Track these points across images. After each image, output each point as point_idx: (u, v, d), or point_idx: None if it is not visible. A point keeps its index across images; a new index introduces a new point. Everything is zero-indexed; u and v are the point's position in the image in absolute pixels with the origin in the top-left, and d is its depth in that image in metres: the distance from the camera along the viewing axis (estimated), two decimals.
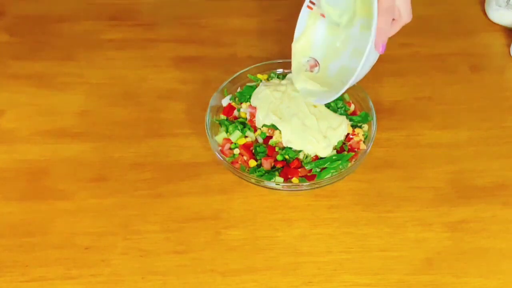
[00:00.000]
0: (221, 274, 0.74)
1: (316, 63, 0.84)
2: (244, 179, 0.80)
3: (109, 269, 0.74)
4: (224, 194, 0.81)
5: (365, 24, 0.72)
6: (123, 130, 0.89)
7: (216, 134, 0.84)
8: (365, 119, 0.85)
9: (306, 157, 0.81)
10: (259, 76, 0.91)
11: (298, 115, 0.82)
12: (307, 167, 0.80)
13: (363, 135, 0.84)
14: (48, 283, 0.73)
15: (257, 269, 0.74)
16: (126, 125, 0.90)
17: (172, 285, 0.73)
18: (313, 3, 0.83)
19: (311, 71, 0.84)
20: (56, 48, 1.02)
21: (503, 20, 1.03)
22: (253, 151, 0.82)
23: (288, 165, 0.80)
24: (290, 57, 0.87)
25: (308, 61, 0.84)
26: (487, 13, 1.05)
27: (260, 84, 0.88)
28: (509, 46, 1.00)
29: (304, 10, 0.84)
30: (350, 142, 0.83)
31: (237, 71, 0.90)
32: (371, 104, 0.85)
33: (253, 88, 0.88)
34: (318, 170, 0.80)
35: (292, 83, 0.86)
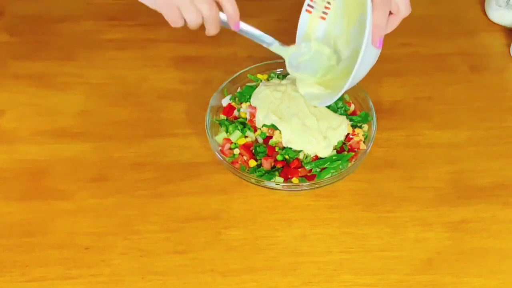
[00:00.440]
0: (221, 274, 0.74)
1: None
2: (244, 179, 0.80)
3: (109, 269, 0.74)
4: (224, 194, 0.81)
5: (364, 20, 0.72)
6: (123, 130, 0.89)
7: (216, 134, 0.84)
8: (365, 119, 0.85)
9: (306, 157, 0.81)
10: (259, 76, 0.91)
11: (298, 115, 0.82)
12: (307, 167, 0.80)
13: (363, 135, 0.84)
14: (48, 283, 0.73)
15: (257, 269, 0.74)
16: (126, 125, 0.90)
17: (172, 285, 0.73)
18: (312, 7, 0.83)
19: None
20: (56, 48, 1.02)
21: (503, 20, 1.03)
22: (253, 151, 0.82)
23: (288, 165, 0.80)
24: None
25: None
26: (487, 13, 1.05)
27: (260, 84, 0.88)
28: (509, 46, 1.00)
29: (303, 14, 0.84)
30: (350, 142, 0.83)
31: (237, 71, 0.90)
32: (371, 104, 0.85)
33: (253, 88, 0.88)
34: (318, 170, 0.80)
35: (292, 83, 0.86)
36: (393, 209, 0.80)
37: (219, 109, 0.88)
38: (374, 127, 0.83)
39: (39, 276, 0.74)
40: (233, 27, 0.75)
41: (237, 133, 0.83)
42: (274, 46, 0.80)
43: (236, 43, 1.01)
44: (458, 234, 0.77)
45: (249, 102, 0.86)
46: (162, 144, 0.88)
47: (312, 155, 0.81)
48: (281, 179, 0.79)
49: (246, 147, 0.82)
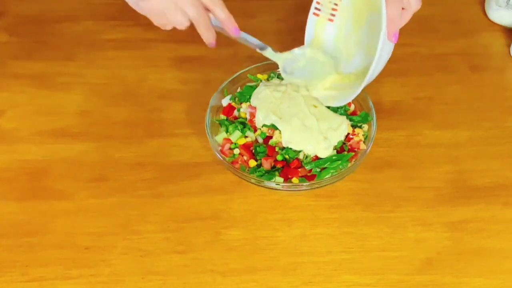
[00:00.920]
0: (221, 274, 0.74)
1: None
2: (244, 179, 0.80)
3: (109, 269, 0.74)
4: (224, 194, 0.81)
5: (374, 19, 0.72)
6: (123, 130, 0.89)
7: (216, 134, 0.84)
8: (365, 119, 0.85)
9: (306, 157, 0.81)
10: (259, 76, 0.91)
11: (298, 115, 0.82)
12: (307, 167, 0.80)
13: (363, 135, 0.84)
14: (48, 283, 0.73)
15: (257, 269, 0.74)
16: (126, 125, 0.90)
17: (172, 285, 0.73)
18: (319, 9, 0.83)
19: None
20: (56, 48, 1.02)
21: (503, 20, 1.03)
22: (253, 151, 0.82)
23: (288, 165, 0.80)
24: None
25: None
26: (487, 13, 1.05)
27: (260, 84, 0.88)
28: (509, 46, 1.00)
29: (310, 18, 0.84)
30: (350, 142, 0.83)
31: (237, 71, 0.90)
32: (371, 104, 0.85)
33: (253, 88, 0.88)
34: (318, 170, 0.80)
35: (292, 83, 0.86)
36: (393, 209, 0.80)
37: (219, 109, 0.88)
38: (374, 127, 0.83)
39: (39, 276, 0.74)
40: (231, 34, 0.75)
41: (237, 133, 0.83)
42: (267, 51, 0.81)
43: (236, 43, 1.00)
44: (458, 234, 0.77)
45: (249, 102, 0.86)
46: (162, 144, 0.88)
47: (312, 155, 0.81)
48: (281, 179, 0.79)
49: (246, 147, 0.82)
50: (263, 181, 0.78)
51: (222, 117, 0.87)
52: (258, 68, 0.91)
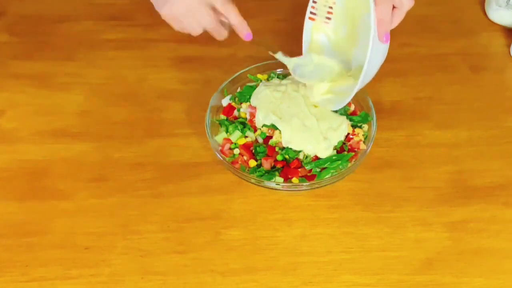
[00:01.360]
0: (221, 274, 0.74)
1: None
2: (244, 179, 0.80)
3: (109, 269, 0.74)
4: (224, 194, 0.81)
5: (367, 21, 0.72)
6: (123, 130, 0.89)
7: (216, 134, 0.84)
8: (365, 119, 0.85)
9: (306, 157, 0.81)
10: (259, 76, 0.91)
11: (298, 115, 0.82)
12: (307, 167, 0.80)
13: (363, 135, 0.84)
14: (48, 283, 0.73)
15: (257, 269, 0.74)
16: (126, 125, 0.90)
17: (172, 285, 0.73)
18: (314, 14, 0.83)
19: None
20: (56, 48, 1.02)
21: (503, 20, 1.03)
22: (253, 151, 0.82)
23: (288, 165, 0.80)
24: (290, 57, 0.88)
25: None
26: (487, 13, 1.05)
27: (260, 84, 0.88)
28: (509, 46, 1.00)
29: (307, 23, 0.84)
30: (350, 142, 0.83)
31: (237, 71, 0.90)
32: (371, 104, 0.85)
33: (253, 88, 0.88)
34: (318, 170, 0.80)
35: (292, 83, 0.86)
36: (393, 209, 0.80)
37: (219, 109, 0.88)
38: (374, 127, 0.83)
39: (39, 276, 0.74)
40: (244, 38, 0.78)
41: (237, 133, 0.83)
42: (278, 55, 0.82)
43: (236, 43, 1.00)
44: (458, 234, 0.77)
45: (249, 102, 0.86)
46: (162, 144, 0.88)
47: (312, 155, 0.81)
48: (281, 179, 0.79)
49: (246, 147, 0.82)
50: (263, 181, 0.78)
51: (222, 117, 0.87)
52: (258, 68, 0.91)
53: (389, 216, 0.79)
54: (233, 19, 0.76)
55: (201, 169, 0.84)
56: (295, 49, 0.86)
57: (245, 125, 0.84)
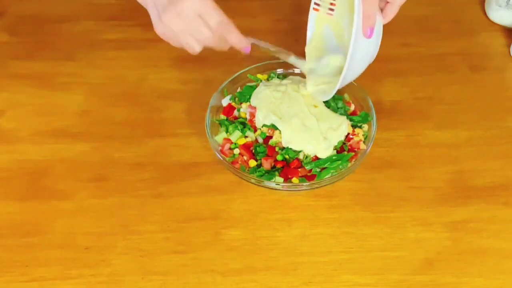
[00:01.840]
0: (221, 274, 0.74)
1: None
2: (244, 179, 0.79)
3: (109, 269, 0.74)
4: (224, 194, 0.81)
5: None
6: (123, 130, 0.89)
7: (216, 134, 0.84)
8: (365, 119, 0.85)
9: (306, 157, 0.81)
10: (259, 76, 0.91)
11: (298, 115, 0.82)
12: (307, 167, 0.80)
13: (363, 135, 0.84)
14: (48, 283, 0.73)
15: (257, 269, 0.74)
16: (126, 125, 0.90)
17: (172, 285, 0.73)
18: (318, 4, 0.83)
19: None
20: (56, 48, 1.02)
21: (503, 20, 1.03)
22: (253, 151, 0.82)
23: (288, 165, 0.80)
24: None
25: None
26: (487, 13, 1.05)
27: (260, 84, 0.88)
28: (509, 46, 1.00)
29: (311, 13, 0.84)
30: (350, 142, 0.83)
31: (237, 71, 0.90)
32: (371, 104, 0.85)
33: (253, 88, 0.88)
34: (318, 170, 0.80)
35: (292, 83, 0.86)
36: (393, 209, 0.80)
37: (219, 109, 0.88)
38: (374, 127, 0.83)
39: (39, 276, 0.74)
40: (243, 52, 0.77)
41: (237, 133, 0.83)
42: (291, 59, 0.82)
43: None
44: (458, 234, 0.77)
45: (249, 102, 0.86)
46: (162, 144, 0.88)
47: (312, 155, 0.81)
48: (281, 179, 0.79)
49: (246, 147, 0.82)
50: (263, 181, 0.78)
51: (222, 117, 0.87)
52: (258, 68, 0.91)
53: (389, 216, 0.79)
54: (232, 39, 0.74)
55: (201, 169, 0.84)
56: (295, 49, 0.86)
57: (245, 125, 0.84)
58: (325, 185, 0.79)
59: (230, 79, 0.89)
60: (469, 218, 0.79)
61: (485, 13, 1.06)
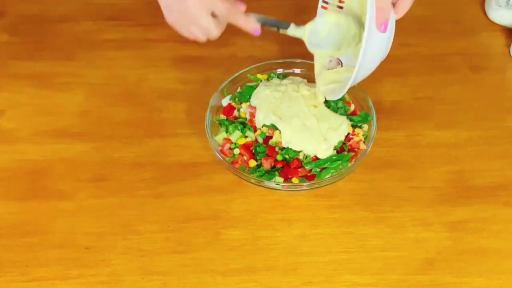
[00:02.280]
0: (221, 274, 0.74)
1: (339, 62, 0.83)
2: (244, 179, 0.80)
3: (109, 269, 0.74)
4: (224, 194, 0.81)
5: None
6: (123, 130, 0.89)
7: (216, 134, 0.84)
8: (365, 119, 0.85)
9: (306, 157, 0.81)
10: (259, 76, 0.91)
11: (299, 115, 0.82)
12: (307, 167, 0.80)
13: (363, 135, 0.84)
14: (48, 283, 0.73)
15: (257, 269, 0.74)
16: (126, 125, 0.90)
17: (172, 285, 0.73)
18: (327, 2, 0.82)
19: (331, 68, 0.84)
20: (56, 48, 1.02)
21: (503, 20, 1.03)
22: (253, 151, 0.82)
23: (288, 165, 0.80)
24: (290, 57, 0.88)
25: (330, 61, 0.84)
26: (487, 13, 1.05)
27: (260, 84, 0.88)
28: (509, 46, 1.00)
29: (319, 12, 0.83)
30: (350, 142, 0.83)
31: (237, 71, 0.90)
32: (371, 104, 0.85)
33: (253, 88, 0.88)
34: (318, 170, 0.80)
35: (292, 83, 0.86)
36: (393, 209, 0.80)
37: (219, 109, 0.88)
38: (374, 127, 0.83)
39: (39, 276, 0.74)
40: (253, 34, 0.77)
41: (237, 133, 0.83)
42: (291, 29, 0.80)
43: (236, 43, 1.01)
44: (458, 234, 0.77)
45: (249, 102, 0.86)
46: (162, 144, 0.88)
47: (312, 155, 0.81)
48: (281, 179, 0.79)
49: (246, 147, 0.82)
50: (263, 181, 0.78)
51: (222, 117, 0.87)
52: (258, 68, 0.91)
53: (389, 216, 0.79)
54: (239, 23, 0.75)
55: (201, 169, 0.84)
56: (295, 49, 0.86)
57: (245, 125, 0.84)
58: (325, 185, 0.79)
59: (230, 79, 0.89)
60: (469, 218, 0.79)
61: (485, 13, 1.06)
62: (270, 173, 0.80)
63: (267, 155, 0.81)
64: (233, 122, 0.85)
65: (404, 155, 0.86)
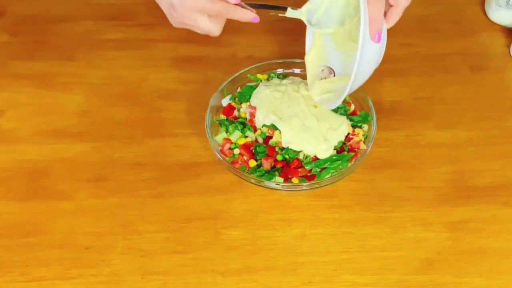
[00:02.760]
0: (221, 274, 0.74)
1: (331, 71, 0.83)
2: (244, 179, 0.79)
3: (109, 269, 0.74)
4: (224, 194, 0.81)
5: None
6: (123, 130, 0.89)
7: (216, 134, 0.84)
8: (365, 119, 0.85)
9: (306, 157, 0.81)
10: (259, 76, 0.91)
11: (299, 115, 0.82)
12: (307, 167, 0.80)
13: (363, 135, 0.84)
14: (48, 283, 0.73)
15: (257, 269, 0.74)
16: (126, 125, 0.90)
17: (172, 285, 0.73)
18: None
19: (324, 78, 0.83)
20: (56, 48, 1.02)
21: (503, 20, 1.03)
22: (253, 151, 0.82)
23: (288, 165, 0.80)
24: (290, 57, 0.88)
25: (322, 70, 0.84)
26: (487, 13, 1.05)
27: (260, 84, 0.88)
28: (509, 46, 1.00)
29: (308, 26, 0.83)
30: (350, 142, 0.83)
31: (237, 71, 0.90)
32: (371, 104, 0.85)
33: (253, 88, 0.88)
34: (318, 170, 0.80)
35: (292, 83, 0.86)
36: (393, 209, 0.80)
37: (219, 109, 0.88)
38: (374, 127, 0.83)
39: (39, 276, 0.74)
40: (252, 21, 0.76)
41: (237, 133, 0.83)
42: (288, 12, 0.78)
43: (236, 43, 1.01)
44: (458, 234, 0.77)
45: (249, 102, 0.86)
46: (162, 144, 0.88)
47: (312, 155, 0.81)
48: (281, 179, 0.79)
49: (246, 147, 0.82)
50: (263, 181, 0.78)
51: (222, 117, 0.87)
52: (258, 68, 0.91)
53: (389, 216, 0.79)
54: (236, 16, 0.74)
55: (201, 169, 0.84)
56: (295, 49, 0.86)
57: (245, 125, 0.84)
58: (325, 185, 0.79)
59: (230, 79, 0.89)
60: (469, 218, 0.79)
61: (485, 13, 1.06)
62: (270, 173, 0.80)
63: (267, 155, 0.81)
64: (233, 122, 0.85)
65: (404, 155, 0.86)
